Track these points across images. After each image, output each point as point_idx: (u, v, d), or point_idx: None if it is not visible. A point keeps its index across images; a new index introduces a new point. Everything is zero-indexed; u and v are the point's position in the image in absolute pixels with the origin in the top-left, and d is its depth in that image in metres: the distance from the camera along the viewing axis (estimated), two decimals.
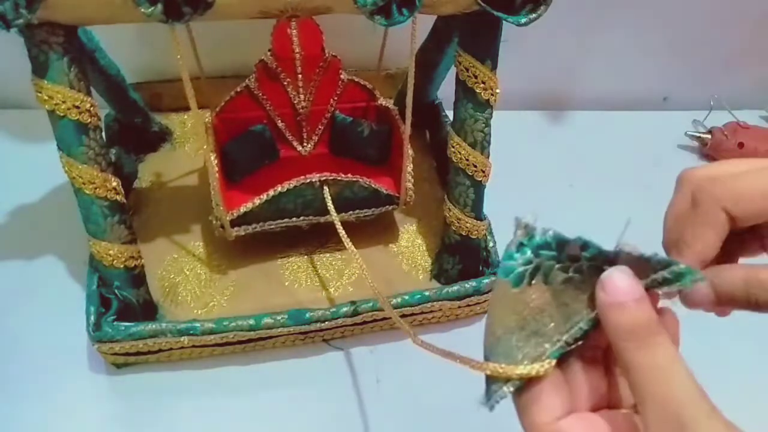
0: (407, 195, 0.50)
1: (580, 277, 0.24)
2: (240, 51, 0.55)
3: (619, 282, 0.24)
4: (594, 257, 0.24)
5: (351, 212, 0.50)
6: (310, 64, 0.49)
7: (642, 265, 0.24)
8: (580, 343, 0.25)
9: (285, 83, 0.49)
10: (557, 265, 0.24)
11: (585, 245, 0.24)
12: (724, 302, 0.25)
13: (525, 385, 0.24)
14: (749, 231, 0.26)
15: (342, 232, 0.45)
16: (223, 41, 0.55)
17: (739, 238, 0.26)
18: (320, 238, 0.53)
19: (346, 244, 0.44)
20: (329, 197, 0.47)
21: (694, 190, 0.26)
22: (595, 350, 0.26)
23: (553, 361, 0.24)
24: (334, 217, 0.47)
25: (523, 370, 0.24)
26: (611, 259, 0.24)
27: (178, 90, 0.40)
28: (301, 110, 0.51)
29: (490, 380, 0.26)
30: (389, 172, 0.52)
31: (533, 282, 0.25)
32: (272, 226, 0.49)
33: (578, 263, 0.24)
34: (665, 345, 0.23)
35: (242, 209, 0.47)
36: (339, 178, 0.47)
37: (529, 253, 0.25)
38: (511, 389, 0.25)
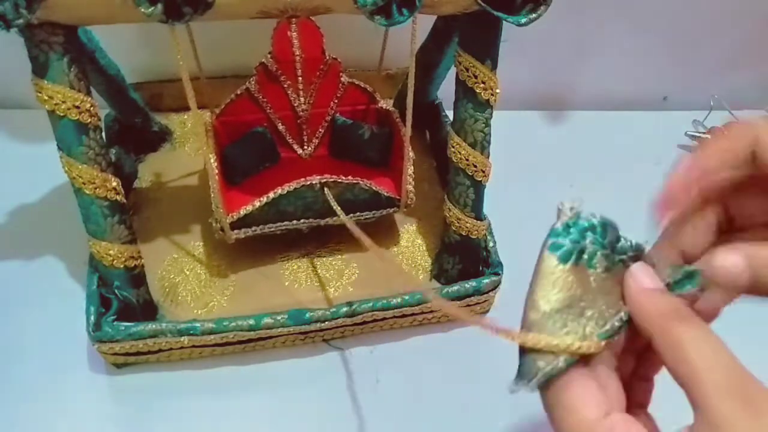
0: (408, 198, 0.50)
1: (619, 268, 0.25)
2: (240, 51, 0.55)
3: (642, 273, 0.25)
4: (623, 251, 0.25)
5: (351, 215, 0.50)
6: (310, 66, 0.49)
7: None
8: (615, 338, 0.25)
9: (285, 86, 0.49)
10: (600, 251, 0.25)
11: (618, 238, 0.25)
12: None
13: (565, 384, 0.24)
14: None
15: (355, 229, 0.44)
16: (223, 41, 0.55)
17: None
18: (320, 239, 0.53)
19: (363, 240, 0.43)
20: (332, 198, 0.47)
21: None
22: (612, 356, 0.26)
23: (603, 342, 0.24)
24: (340, 215, 0.47)
25: (577, 345, 0.24)
26: (635, 256, 0.26)
27: (178, 90, 0.40)
28: (301, 113, 0.51)
29: (535, 357, 0.24)
30: (390, 175, 0.52)
31: (579, 263, 0.25)
32: (272, 229, 0.49)
33: (618, 254, 0.25)
34: (700, 321, 0.23)
35: (242, 212, 0.47)
36: (339, 181, 0.47)
37: (576, 234, 0.25)
38: (564, 365, 0.24)
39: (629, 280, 0.25)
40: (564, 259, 0.24)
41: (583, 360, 0.24)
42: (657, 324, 0.23)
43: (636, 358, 0.28)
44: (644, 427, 0.23)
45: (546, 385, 0.24)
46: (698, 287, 0.25)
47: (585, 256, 0.25)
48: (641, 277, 0.25)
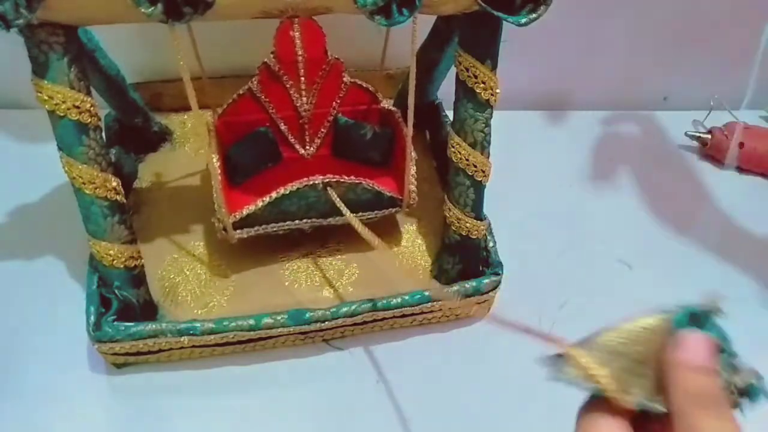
0: (410, 198, 0.50)
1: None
2: (240, 51, 0.55)
3: (700, 345, 0.23)
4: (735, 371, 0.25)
5: (354, 215, 0.50)
6: (312, 66, 0.49)
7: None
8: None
9: (288, 86, 0.49)
10: (728, 359, 0.25)
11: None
12: None
13: (599, 422, 0.24)
14: None
15: (362, 228, 0.44)
16: (223, 41, 0.55)
17: None
18: (321, 239, 0.53)
19: (370, 239, 0.43)
20: (336, 197, 0.47)
21: None
22: None
23: (635, 407, 0.24)
24: (346, 214, 0.47)
25: (610, 385, 0.24)
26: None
27: (179, 90, 0.40)
28: (303, 113, 0.51)
29: (566, 360, 0.25)
30: (392, 175, 0.52)
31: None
32: (275, 229, 0.49)
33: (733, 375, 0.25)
34: (733, 416, 0.22)
35: (245, 212, 0.47)
36: (342, 181, 0.47)
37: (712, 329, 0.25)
38: (586, 387, 0.24)
39: (676, 349, 0.23)
40: (677, 327, 0.24)
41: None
42: (683, 407, 0.22)
43: None
44: None
45: (583, 408, 0.25)
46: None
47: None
48: (692, 347, 0.23)
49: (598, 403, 0.25)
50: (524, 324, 0.26)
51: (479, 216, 0.49)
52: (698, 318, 0.25)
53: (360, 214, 0.50)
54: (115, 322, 0.43)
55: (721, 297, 0.25)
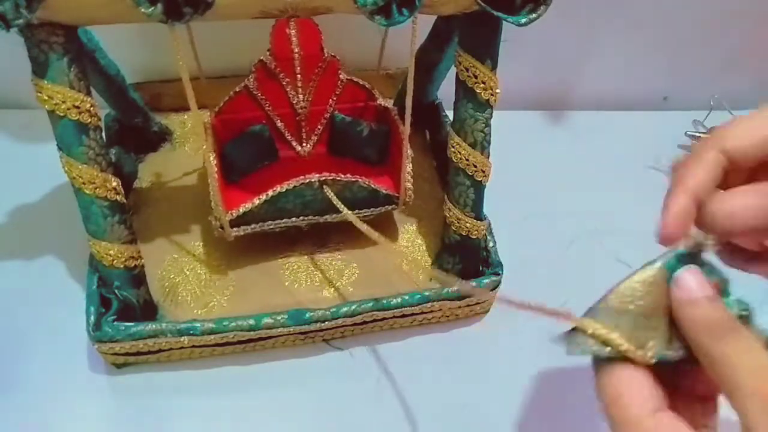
0: (406, 195, 0.50)
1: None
2: (240, 51, 0.55)
3: (689, 281, 0.24)
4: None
5: (351, 212, 0.50)
6: (309, 63, 0.49)
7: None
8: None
9: (284, 83, 0.49)
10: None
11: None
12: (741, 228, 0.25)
13: (617, 373, 0.24)
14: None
15: (361, 224, 0.44)
16: (223, 41, 0.55)
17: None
18: (320, 239, 0.53)
19: (370, 234, 0.43)
20: (333, 195, 0.47)
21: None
22: None
23: (654, 360, 0.24)
24: (344, 211, 0.47)
25: (623, 345, 0.24)
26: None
27: (178, 90, 0.40)
28: (300, 110, 0.51)
29: (579, 332, 0.26)
30: (389, 173, 0.52)
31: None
32: (272, 227, 0.49)
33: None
34: (747, 335, 0.23)
35: (241, 209, 0.47)
36: (338, 179, 0.47)
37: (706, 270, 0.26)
38: (603, 353, 0.25)
39: (675, 290, 0.24)
40: (670, 267, 0.25)
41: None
42: (697, 340, 0.23)
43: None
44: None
45: (598, 367, 0.25)
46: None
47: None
48: (689, 286, 0.24)
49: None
50: (532, 302, 0.27)
51: (479, 216, 0.49)
52: (688, 259, 0.25)
53: (356, 211, 0.50)
54: (115, 322, 0.43)
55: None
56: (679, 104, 0.73)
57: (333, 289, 0.51)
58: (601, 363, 0.25)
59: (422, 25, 0.41)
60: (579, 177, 0.63)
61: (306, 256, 0.53)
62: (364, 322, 0.48)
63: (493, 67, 0.44)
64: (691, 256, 0.26)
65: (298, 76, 0.49)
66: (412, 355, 0.49)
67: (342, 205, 0.47)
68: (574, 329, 0.26)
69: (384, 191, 0.50)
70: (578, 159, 0.66)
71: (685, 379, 0.26)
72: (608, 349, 0.25)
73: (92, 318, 0.43)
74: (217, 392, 0.46)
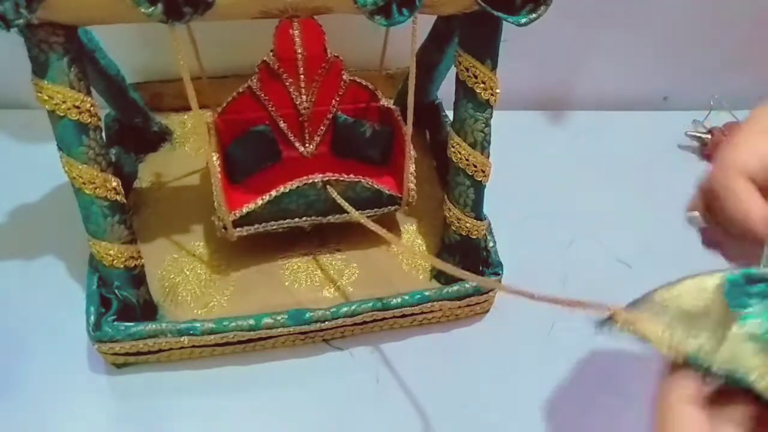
0: (410, 196, 0.50)
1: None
2: (241, 51, 0.55)
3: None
4: None
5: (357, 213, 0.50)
6: (312, 64, 0.49)
7: None
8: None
9: (287, 84, 0.49)
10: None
11: None
12: None
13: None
14: None
15: (369, 222, 0.44)
16: (224, 41, 0.55)
17: None
18: (321, 239, 0.53)
19: (378, 231, 0.43)
20: (338, 195, 0.47)
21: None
22: None
23: (682, 357, 0.25)
24: (350, 211, 0.47)
25: (655, 333, 0.25)
26: None
27: (179, 90, 0.41)
28: (303, 111, 0.51)
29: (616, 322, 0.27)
30: (391, 173, 0.52)
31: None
32: (275, 227, 0.49)
33: None
34: None
35: (245, 210, 0.47)
36: (341, 179, 0.47)
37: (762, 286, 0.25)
38: (631, 335, 0.26)
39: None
40: (731, 281, 0.25)
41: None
42: None
43: None
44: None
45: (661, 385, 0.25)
46: None
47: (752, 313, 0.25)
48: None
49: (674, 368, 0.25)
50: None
51: (479, 216, 0.49)
52: (755, 280, 0.25)
53: (359, 212, 0.50)
54: (115, 322, 0.43)
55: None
56: (679, 104, 0.73)
57: (333, 289, 0.51)
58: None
59: (422, 25, 0.41)
60: (579, 177, 0.63)
61: (306, 256, 0.53)
62: (364, 322, 0.48)
63: (493, 67, 0.44)
64: (759, 278, 0.25)
65: (302, 76, 0.49)
66: (412, 355, 0.49)
67: (348, 205, 0.47)
68: (609, 318, 0.27)
69: (387, 192, 0.50)
70: (578, 159, 0.66)
71: None
72: (645, 337, 0.25)
73: (92, 318, 0.43)
74: (217, 392, 0.46)
